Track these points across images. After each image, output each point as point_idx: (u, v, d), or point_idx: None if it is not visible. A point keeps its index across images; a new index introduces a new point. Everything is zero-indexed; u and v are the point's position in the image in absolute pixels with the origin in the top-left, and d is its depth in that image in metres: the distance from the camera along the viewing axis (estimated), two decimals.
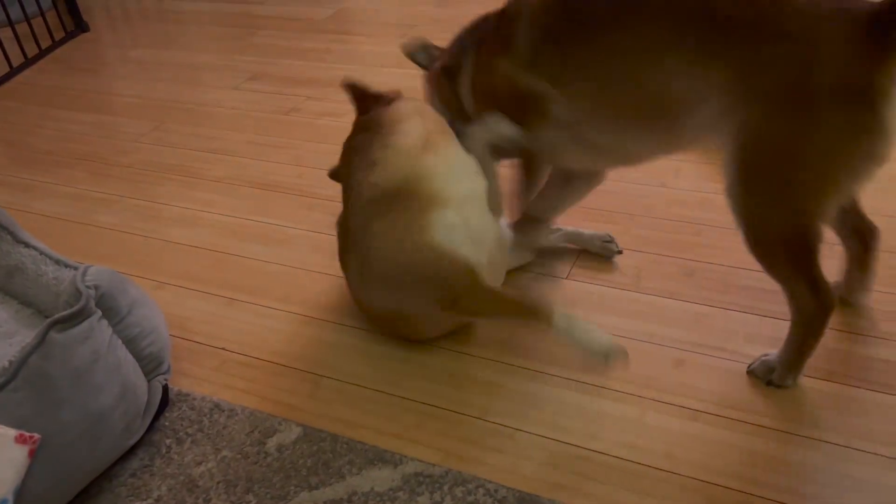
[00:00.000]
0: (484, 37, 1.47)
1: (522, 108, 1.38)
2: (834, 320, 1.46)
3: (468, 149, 1.45)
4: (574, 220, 1.81)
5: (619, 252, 1.69)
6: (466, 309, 1.37)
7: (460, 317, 1.45)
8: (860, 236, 1.42)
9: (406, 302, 1.40)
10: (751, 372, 1.38)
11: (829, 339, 1.43)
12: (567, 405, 1.35)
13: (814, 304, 1.23)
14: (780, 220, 1.17)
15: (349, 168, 1.46)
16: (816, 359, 1.38)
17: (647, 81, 1.21)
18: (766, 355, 1.36)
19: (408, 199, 1.34)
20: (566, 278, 1.65)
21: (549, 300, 1.36)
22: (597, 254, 1.69)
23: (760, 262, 1.24)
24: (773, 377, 1.34)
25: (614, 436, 1.29)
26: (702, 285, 1.60)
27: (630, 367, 1.41)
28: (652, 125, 1.27)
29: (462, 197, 1.36)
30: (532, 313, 1.31)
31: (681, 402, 1.34)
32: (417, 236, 1.32)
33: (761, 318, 1.50)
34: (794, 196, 1.15)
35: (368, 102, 1.49)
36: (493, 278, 1.41)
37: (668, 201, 1.87)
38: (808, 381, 1.35)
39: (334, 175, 1.58)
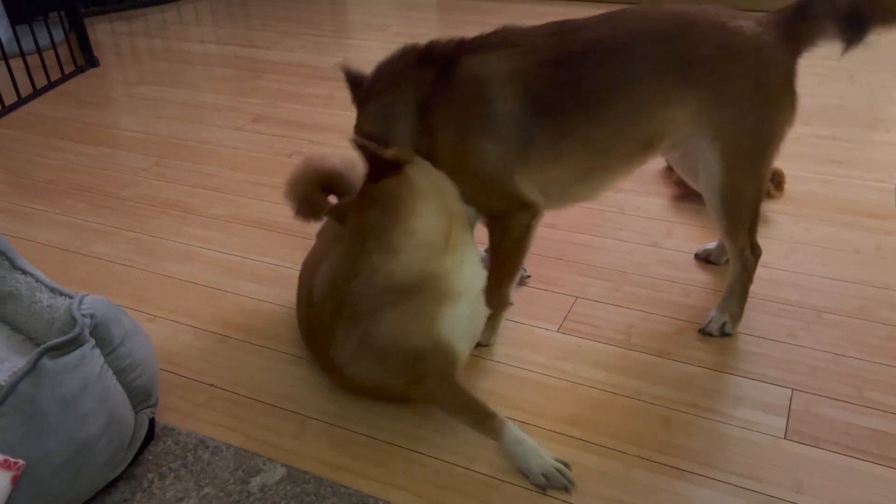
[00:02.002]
0: (429, 98, 1.37)
1: (505, 203, 1.43)
2: (819, 387, 1.48)
3: None
4: (568, 275, 1.83)
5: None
6: (428, 394, 1.39)
7: (418, 397, 1.43)
8: None
9: (385, 376, 1.40)
10: (707, 333, 1.62)
11: (815, 404, 1.44)
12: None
13: (753, 258, 1.58)
14: (751, 190, 1.48)
15: (356, 239, 1.39)
16: (802, 424, 1.39)
17: (643, 129, 1.42)
18: (712, 314, 1.63)
19: (423, 292, 1.34)
20: (557, 331, 1.67)
21: (501, 415, 1.34)
22: None
23: (729, 229, 1.52)
24: (726, 329, 1.61)
25: (600, 491, 1.28)
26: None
27: (617, 423, 1.41)
28: (640, 159, 1.48)
29: (473, 293, 1.42)
30: (485, 420, 1.34)
31: (667, 461, 1.34)
32: (427, 326, 1.34)
33: (750, 380, 1.51)
34: (759, 170, 1.47)
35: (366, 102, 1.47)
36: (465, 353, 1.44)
37: (659, 261, 1.90)
38: (793, 446, 1.36)
39: (337, 216, 1.48)
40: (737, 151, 1.43)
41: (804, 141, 2.51)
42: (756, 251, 1.58)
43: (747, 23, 1.40)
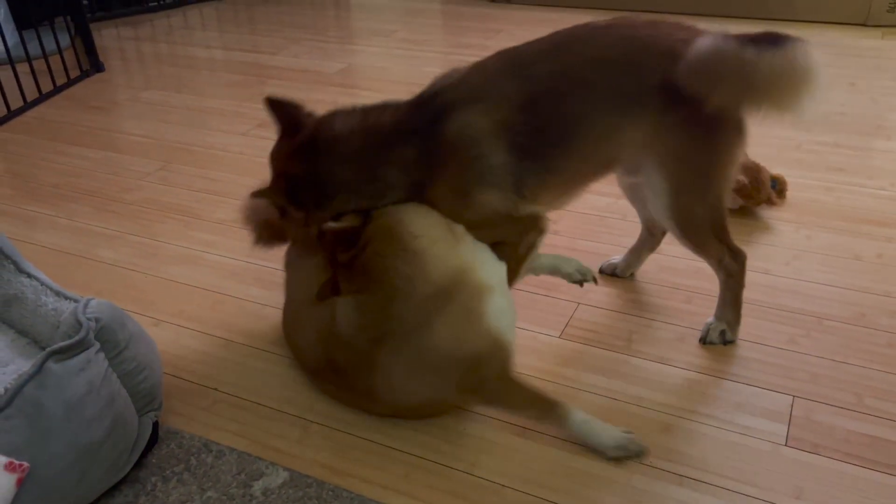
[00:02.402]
0: (423, 164, 1.37)
1: (517, 228, 1.47)
2: (820, 394, 1.49)
3: None
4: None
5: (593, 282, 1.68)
6: (490, 396, 1.41)
7: (474, 401, 1.45)
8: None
9: (438, 390, 1.39)
10: (709, 342, 1.63)
11: (815, 411, 1.45)
12: (555, 464, 1.36)
13: (736, 264, 1.58)
14: (704, 211, 1.50)
15: (365, 285, 1.37)
16: (802, 431, 1.40)
17: (605, 154, 1.47)
18: (710, 323, 1.65)
19: (463, 289, 1.35)
20: (559, 337, 1.67)
21: (562, 399, 1.39)
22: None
23: (693, 247, 1.56)
24: (726, 337, 1.63)
25: (601, 497, 1.29)
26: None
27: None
28: (602, 175, 1.54)
29: (500, 281, 1.43)
30: (550, 409, 1.38)
31: (667, 467, 1.34)
32: (478, 324, 1.35)
33: (750, 387, 1.51)
34: (711, 191, 1.48)
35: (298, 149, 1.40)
36: None
37: (661, 267, 1.91)
38: (793, 453, 1.36)
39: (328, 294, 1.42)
40: (682, 176, 1.45)
41: (806, 148, 2.52)
42: (738, 257, 1.58)
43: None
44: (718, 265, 1.58)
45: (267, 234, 1.69)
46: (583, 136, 1.40)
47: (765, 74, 1.32)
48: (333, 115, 1.42)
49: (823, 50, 3.60)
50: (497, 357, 1.38)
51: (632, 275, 1.87)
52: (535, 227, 1.47)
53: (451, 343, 1.34)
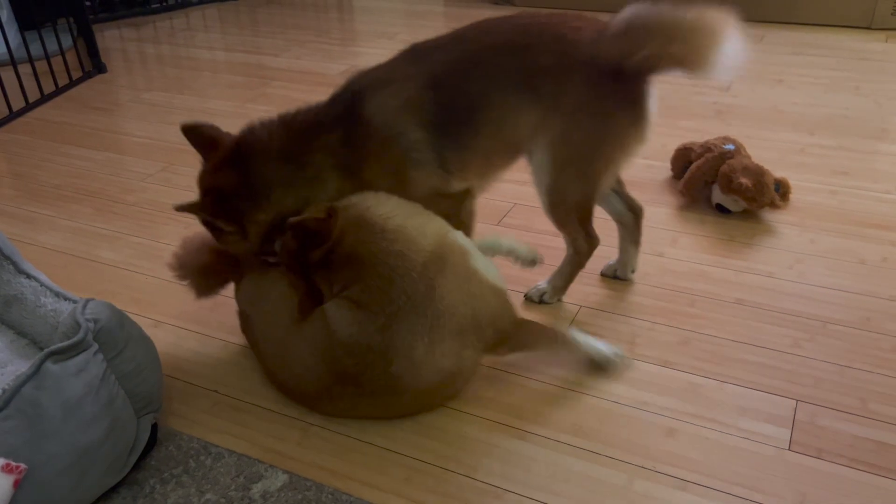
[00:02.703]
0: (349, 152, 1.43)
1: (449, 203, 1.56)
2: (823, 398, 1.48)
3: None
4: (572, 283, 1.83)
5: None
6: (511, 344, 1.49)
7: (500, 353, 1.52)
8: (633, 211, 1.82)
9: (462, 356, 1.40)
10: (528, 298, 1.78)
11: (819, 415, 1.44)
12: (556, 467, 1.35)
13: (587, 247, 1.71)
14: (575, 191, 1.59)
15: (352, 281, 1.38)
16: (806, 435, 1.38)
17: (508, 133, 1.53)
18: (539, 284, 1.78)
19: (449, 252, 1.40)
20: None
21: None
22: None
23: (556, 222, 1.65)
24: (544, 297, 1.77)
25: (602, 501, 1.28)
26: (696, 356, 1.61)
27: (621, 433, 1.41)
28: (515, 155, 1.60)
29: (469, 240, 1.50)
30: (557, 337, 1.52)
31: (670, 472, 1.33)
32: (475, 281, 1.41)
33: (754, 391, 1.50)
34: (587, 175, 1.56)
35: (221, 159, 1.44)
36: None
37: (664, 270, 1.90)
38: (797, 458, 1.35)
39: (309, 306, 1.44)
40: (565, 159, 1.53)
41: (810, 151, 2.51)
42: (591, 242, 1.70)
43: (588, 35, 1.46)
44: (572, 242, 1.71)
45: (205, 281, 1.63)
46: (486, 115, 1.48)
47: (684, 29, 1.41)
48: (251, 126, 1.48)
49: (828, 53, 3.61)
50: (505, 306, 1.46)
51: (633, 271, 1.87)
52: (468, 195, 1.58)
53: (462, 303, 1.37)
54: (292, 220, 1.37)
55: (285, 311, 1.45)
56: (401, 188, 1.48)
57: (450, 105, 1.47)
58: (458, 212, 1.57)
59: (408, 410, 1.45)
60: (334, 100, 1.50)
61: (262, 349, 1.52)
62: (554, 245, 1.83)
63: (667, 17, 1.41)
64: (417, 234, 1.39)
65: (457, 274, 1.39)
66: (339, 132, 1.44)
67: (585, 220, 1.65)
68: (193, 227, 2.15)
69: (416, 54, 1.52)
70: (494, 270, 1.47)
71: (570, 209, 1.62)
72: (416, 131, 1.45)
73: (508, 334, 1.46)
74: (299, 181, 1.44)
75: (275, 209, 1.44)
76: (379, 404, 1.41)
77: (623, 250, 1.86)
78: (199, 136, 1.48)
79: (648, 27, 1.43)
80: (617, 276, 1.88)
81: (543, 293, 1.78)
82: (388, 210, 1.41)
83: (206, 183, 1.47)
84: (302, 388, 1.45)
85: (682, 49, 1.42)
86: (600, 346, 1.55)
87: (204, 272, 1.61)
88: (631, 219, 1.82)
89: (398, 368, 1.35)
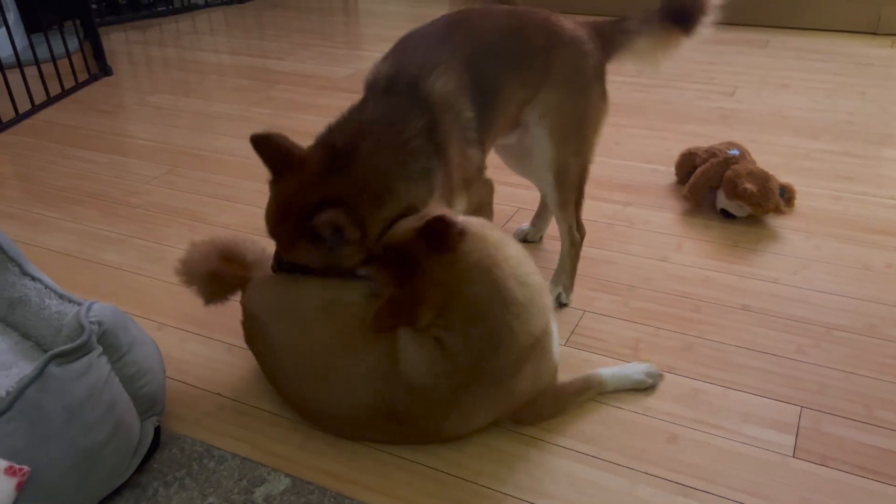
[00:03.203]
0: (442, 143, 1.42)
1: (483, 187, 1.63)
2: (828, 405, 1.47)
3: None
4: (576, 288, 1.83)
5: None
6: (539, 411, 1.45)
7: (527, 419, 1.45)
8: None
9: (500, 415, 1.41)
10: None
11: (824, 422, 1.43)
12: (558, 473, 1.34)
13: (579, 238, 1.79)
14: (575, 164, 1.68)
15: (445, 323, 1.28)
16: (810, 442, 1.38)
17: (512, 109, 1.61)
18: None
19: (547, 336, 1.36)
20: (565, 345, 1.66)
21: (589, 372, 1.52)
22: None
23: (560, 204, 1.72)
24: (561, 300, 1.78)
25: None
26: (699, 361, 1.60)
27: (624, 438, 1.41)
28: (510, 129, 1.69)
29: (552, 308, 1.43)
30: (589, 389, 1.49)
31: (672, 477, 1.33)
32: (552, 361, 1.41)
33: (758, 397, 1.50)
34: (583, 147, 1.68)
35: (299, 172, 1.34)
36: None
37: (668, 276, 1.89)
38: (801, 465, 1.34)
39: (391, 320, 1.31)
40: (561, 129, 1.63)
41: (814, 157, 2.51)
42: (581, 230, 1.79)
43: (567, 22, 1.65)
44: (568, 232, 1.77)
45: (215, 287, 1.56)
46: (501, 93, 1.55)
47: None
48: (330, 131, 1.41)
49: (833, 58, 3.61)
50: (553, 380, 1.44)
51: (540, 238, 2.04)
52: (490, 184, 1.64)
53: (532, 383, 1.37)
54: (391, 240, 1.30)
55: (330, 328, 1.36)
56: (465, 166, 1.49)
57: (479, 85, 1.50)
58: (490, 199, 1.63)
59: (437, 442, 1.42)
60: (390, 90, 1.44)
61: (282, 363, 1.42)
62: (555, 249, 1.83)
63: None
64: (538, 314, 1.31)
65: (540, 358, 1.36)
66: (422, 119, 1.40)
67: (580, 203, 1.75)
68: (198, 231, 2.16)
69: (431, 40, 1.53)
70: (558, 342, 1.44)
71: (573, 186, 1.71)
72: (469, 110, 1.48)
73: (540, 402, 1.42)
74: (415, 171, 1.38)
75: (401, 203, 1.37)
76: (410, 439, 1.40)
77: (541, 216, 2.03)
78: (270, 147, 1.36)
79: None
80: (527, 240, 2.02)
81: (559, 295, 1.78)
82: (524, 273, 1.30)
83: (316, 195, 1.33)
84: (334, 412, 1.37)
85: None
86: (629, 372, 1.52)
87: (212, 278, 1.55)
88: None
89: (450, 424, 1.34)
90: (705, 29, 1.71)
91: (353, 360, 1.33)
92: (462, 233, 1.27)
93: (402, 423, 1.34)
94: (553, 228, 1.93)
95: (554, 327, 1.40)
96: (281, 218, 1.38)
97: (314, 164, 1.35)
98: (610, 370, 1.52)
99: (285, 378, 1.43)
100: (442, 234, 1.24)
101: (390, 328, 1.31)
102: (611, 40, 1.69)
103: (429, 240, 1.25)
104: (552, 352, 1.39)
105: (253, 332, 1.49)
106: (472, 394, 1.31)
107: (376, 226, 1.35)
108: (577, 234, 1.79)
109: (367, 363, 1.32)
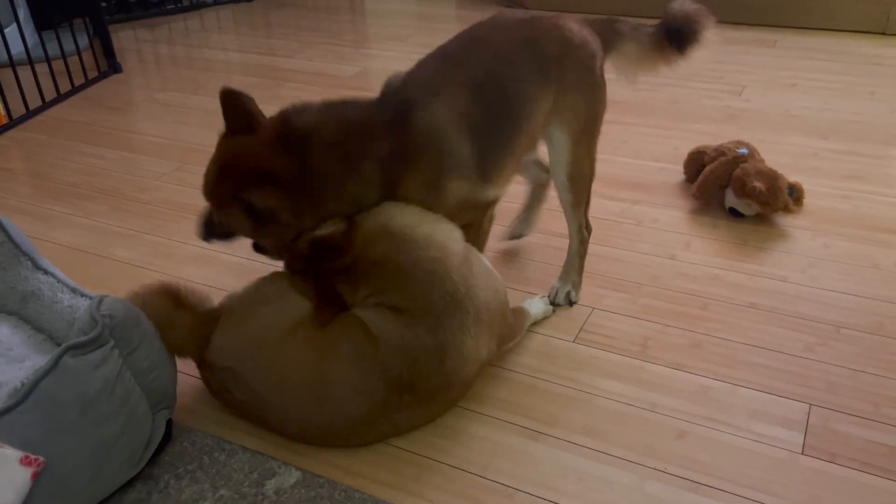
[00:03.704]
0: (397, 169, 1.40)
1: (479, 211, 1.59)
2: (837, 402, 1.47)
3: None
4: (584, 286, 1.83)
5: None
6: (508, 335, 1.57)
7: (503, 344, 1.56)
8: (547, 173, 1.90)
9: (491, 347, 1.47)
10: (556, 304, 1.78)
11: (832, 419, 1.43)
12: (567, 468, 1.35)
13: (587, 235, 1.81)
14: (587, 163, 1.70)
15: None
16: (819, 439, 1.38)
17: (535, 124, 1.59)
18: (556, 286, 1.81)
19: (469, 252, 1.46)
20: (573, 341, 1.67)
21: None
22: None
23: (573, 203, 1.73)
24: (571, 297, 1.80)
25: (612, 502, 1.28)
26: (708, 359, 1.60)
27: (632, 434, 1.41)
28: (533, 147, 1.70)
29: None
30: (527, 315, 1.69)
31: (681, 474, 1.33)
32: (493, 276, 1.49)
33: (767, 394, 1.50)
34: (591, 145, 1.69)
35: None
36: None
37: (676, 273, 1.90)
38: (810, 462, 1.35)
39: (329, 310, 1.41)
40: (577, 130, 1.64)
41: (823, 156, 2.50)
42: (589, 228, 1.81)
43: (574, 24, 1.64)
44: (578, 231, 1.78)
45: (171, 336, 1.42)
46: (520, 109, 1.54)
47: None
48: (295, 108, 1.39)
49: (842, 58, 3.60)
50: (506, 297, 1.52)
51: (525, 234, 2.06)
52: (492, 203, 1.61)
53: (489, 299, 1.43)
54: (318, 234, 1.37)
55: (305, 347, 1.37)
56: (434, 200, 1.45)
57: (492, 108, 1.49)
58: (482, 220, 1.60)
59: (452, 405, 1.48)
60: (383, 102, 1.45)
61: (272, 401, 1.38)
62: (562, 247, 1.83)
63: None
64: (446, 238, 1.42)
65: (480, 273, 1.44)
66: (389, 142, 1.39)
67: (588, 201, 1.77)
68: None
69: (447, 60, 1.52)
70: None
71: (585, 185, 1.72)
72: (464, 145, 1.45)
73: (511, 324, 1.57)
74: (350, 185, 1.38)
75: (327, 208, 1.38)
76: (433, 406, 1.42)
77: (531, 208, 2.03)
78: (235, 105, 1.36)
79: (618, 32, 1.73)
80: (514, 236, 2.04)
81: (568, 293, 1.79)
82: (413, 219, 1.41)
83: (261, 165, 1.33)
84: (349, 414, 1.35)
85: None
86: (540, 305, 1.74)
87: (168, 326, 1.41)
88: (545, 179, 1.96)
89: (451, 364, 1.37)
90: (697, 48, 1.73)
91: (338, 359, 1.35)
92: (349, 230, 1.38)
93: (413, 389, 1.35)
94: (544, 228, 1.94)
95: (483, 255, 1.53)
96: (220, 178, 1.39)
97: (270, 134, 1.35)
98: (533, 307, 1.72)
99: (280, 412, 1.39)
100: (333, 245, 1.37)
101: (332, 315, 1.39)
102: (605, 40, 1.70)
103: (325, 252, 1.38)
104: (490, 268, 1.50)
105: (223, 383, 1.43)
106: (450, 328, 1.36)
107: (309, 217, 1.38)
108: (585, 233, 1.80)
109: (353, 353, 1.35)
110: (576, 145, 1.65)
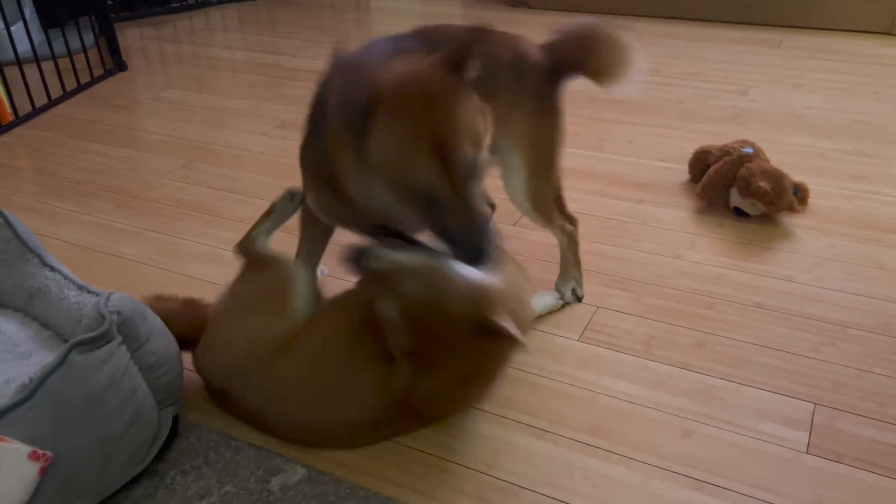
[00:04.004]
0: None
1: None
2: (842, 402, 1.47)
3: None
4: (589, 285, 1.83)
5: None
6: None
7: None
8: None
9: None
10: (565, 302, 1.79)
11: (838, 419, 1.43)
12: (572, 467, 1.35)
13: (572, 226, 1.77)
14: (550, 189, 1.67)
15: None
16: (824, 439, 1.38)
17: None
18: (560, 284, 1.81)
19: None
20: (578, 340, 1.67)
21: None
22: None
23: (544, 222, 1.70)
24: (577, 293, 1.81)
25: (619, 501, 1.28)
26: (713, 358, 1.61)
27: (637, 433, 1.41)
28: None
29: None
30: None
31: (686, 472, 1.33)
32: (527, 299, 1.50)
33: (772, 394, 1.50)
34: (553, 171, 1.65)
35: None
36: None
37: (681, 273, 1.90)
38: (815, 461, 1.35)
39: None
40: (533, 158, 1.59)
41: (828, 156, 2.50)
42: (573, 220, 1.78)
43: (527, 44, 1.58)
44: (561, 231, 1.76)
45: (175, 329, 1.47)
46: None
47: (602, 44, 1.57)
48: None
49: (847, 58, 3.59)
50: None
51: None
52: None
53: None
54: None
55: (304, 364, 1.40)
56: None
57: None
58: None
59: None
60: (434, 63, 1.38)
61: (275, 413, 1.40)
62: (552, 242, 1.83)
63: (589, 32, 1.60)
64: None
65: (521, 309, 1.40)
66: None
67: (562, 206, 1.75)
68: (213, 224, 2.17)
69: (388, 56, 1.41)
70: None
71: (550, 205, 1.70)
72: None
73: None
74: None
75: None
76: (451, 408, 1.43)
77: None
78: None
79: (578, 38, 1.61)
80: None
81: (573, 289, 1.80)
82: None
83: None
84: (359, 414, 1.37)
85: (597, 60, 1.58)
86: (550, 300, 1.76)
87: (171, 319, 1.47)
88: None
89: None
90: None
91: (342, 361, 1.37)
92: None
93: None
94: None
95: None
96: None
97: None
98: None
99: (287, 419, 1.40)
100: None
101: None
102: (563, 63, 1.58)
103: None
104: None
105: (225, 401, 1.46)
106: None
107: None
108: (569, 226, 1.77)
109: (358, 353, 1.36)
110: (532, 175, 1.59)
